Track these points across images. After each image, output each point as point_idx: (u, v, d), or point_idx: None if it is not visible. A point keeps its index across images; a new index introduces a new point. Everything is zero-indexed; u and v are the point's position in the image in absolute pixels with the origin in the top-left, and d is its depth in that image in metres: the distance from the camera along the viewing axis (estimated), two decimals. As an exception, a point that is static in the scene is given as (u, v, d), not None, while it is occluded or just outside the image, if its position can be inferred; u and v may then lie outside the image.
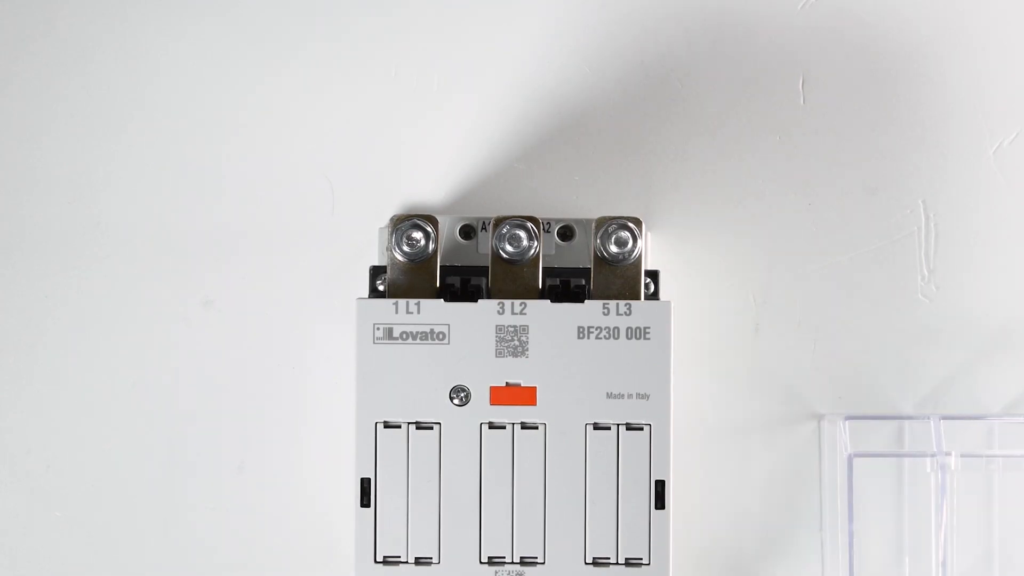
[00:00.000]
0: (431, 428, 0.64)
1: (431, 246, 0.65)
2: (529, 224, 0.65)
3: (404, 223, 0.65)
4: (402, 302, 0.64)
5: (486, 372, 0.64)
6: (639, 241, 0.65)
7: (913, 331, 0.72)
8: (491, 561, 0.63)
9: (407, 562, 0.63)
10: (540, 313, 0.64)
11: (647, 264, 0.66)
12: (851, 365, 0.72)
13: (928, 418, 0.69)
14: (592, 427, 0.63)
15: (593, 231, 0.66)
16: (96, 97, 0.74)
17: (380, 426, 0.64)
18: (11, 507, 0.74)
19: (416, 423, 0.64)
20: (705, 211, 0.72)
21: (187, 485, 0.73)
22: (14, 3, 0.75)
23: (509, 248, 0.65)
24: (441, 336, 0.64)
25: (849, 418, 0.69)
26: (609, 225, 0.65)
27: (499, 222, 0.65)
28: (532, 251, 0.65)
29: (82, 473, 0.74)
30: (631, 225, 0.65)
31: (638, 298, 0.65)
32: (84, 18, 0.74)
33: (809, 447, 0.73)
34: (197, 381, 0.74)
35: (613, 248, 0.65)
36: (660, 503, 0.63)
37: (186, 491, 0.73)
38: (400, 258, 0.65)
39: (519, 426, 0.64)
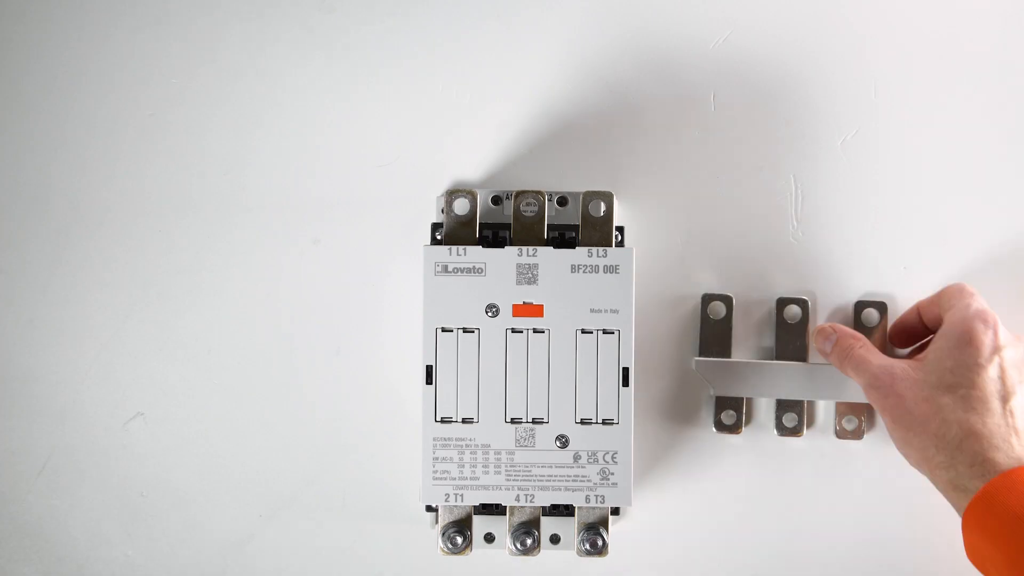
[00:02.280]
0: (473, 332, 0.74)
1: (472, 210, 0.76)
2: (538, 195, 0.77)
3: (454, 194, 0.77)
4: (453, 248, 0.74)
5: (510, 295, 0.74)
6: (611, 207, 0.76)
7: (787, 263, 0.83)
8: (512, 420, 0.75)
9: (456, 421, 0.75)
10: (546, 255, 0.75)
11: (616, 222, 0.77)
12: (743, 282, 0.83)
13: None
14: (580, 332, 0.74)
15: (581, 200, 0.77)
16: (234, 92, 0.84)
17: (439, 331, 0.74)
18: (172, 381, 0.84)
19: (463, 328, 0.74)
20: (651, 185, 0.82)
21: (299, 365, 0.84)
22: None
23: (525, 211, 0.76)
24: (480, 271, 0.74)
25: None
26: (591, 196, 0.77)
27: (519, 194, 0.77)
28: (540, 213, 0.77)
29: (231, 354, 0.84)
30: (605, 196, 0.77)
31: (610, 245, 0.76)
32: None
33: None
34: (309, 297, 0.83)
35: (593, 212, 0.76)
36: (625, 382, 0.74)
37: (299, 369, 0.84)
38: (451, 218, 0.76)
39: (532, 331, 0.75)
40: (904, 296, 0.83)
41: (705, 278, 0.84)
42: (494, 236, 0.77)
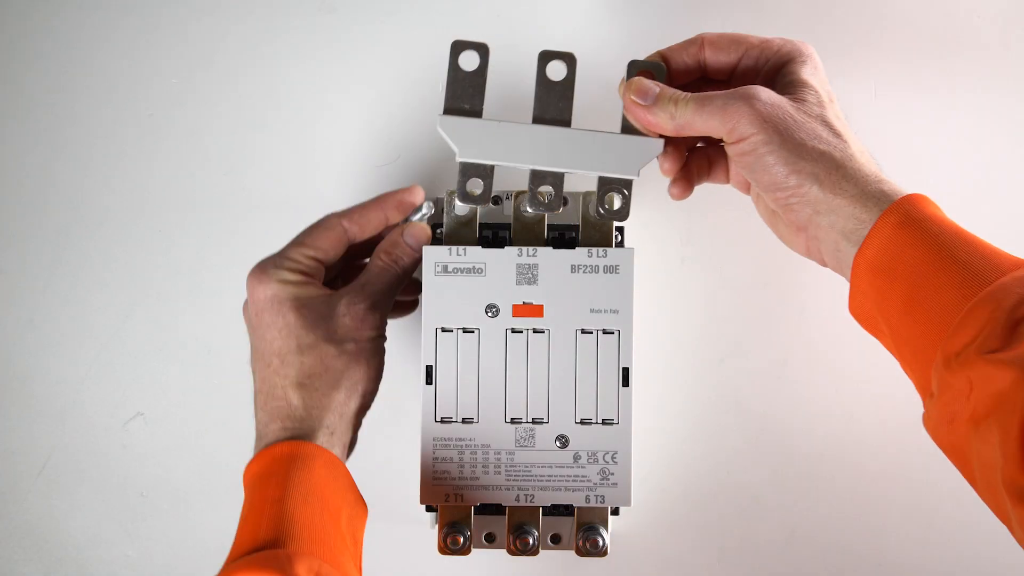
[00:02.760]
0: (473, 332, 0.75)
1: (473, 209, 0.77)
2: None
3: (454, 194, 0.76)
4: (454, 248, 0.75)
5: (510, 295, 0.75)
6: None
7: (786, 263, 0.83)
8: (512, 420, 0.75)
9: (456, 421, 0.75)
10: (546, 255, 0.75)
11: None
12: (744, 279, 0.85)
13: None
14: (580, 332, 0.75)
15: (581, 200, 0.78)
16: (234, 92, 0.86)
17: (439, 331, 0.75)
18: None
19: (463, 329, 0.75)
20: (653, 189, 0.82)
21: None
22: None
23: (526, 211, 0.77)
24: (480, 271, 0.75)
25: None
26: (591, 196, 0.77)
27: (518, 194, 0.78)
28: (540, 213, 0.77)
29: (231, 354, 0.85)
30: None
31: (610, 245, 0.77)
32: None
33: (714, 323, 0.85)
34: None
35: (593, 212, 0.77)
36: (625, 383, 0.75)
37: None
38: (451, 218, 0.77)
39: (532, 331, 0.75)
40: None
41: (698, 280, 0.86)
42: (494, 236, 0.78)
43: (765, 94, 0.67)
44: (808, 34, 0.80)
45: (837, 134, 0.67)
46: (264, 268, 0.73)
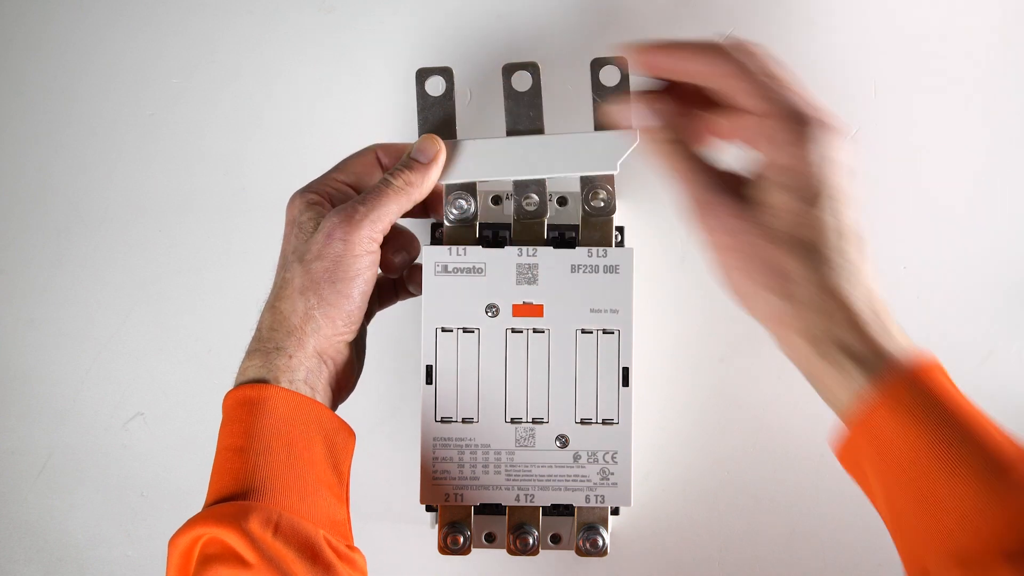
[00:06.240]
0: (473, 332, 0.75)
1: (473, 210, 0.76)
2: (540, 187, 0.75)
3: (454, 194, 0.76)
4: (454, 248, 0.75)
5: (510, 295, 0.75)
6: (612, 195, 0.76)
7: None
8: (512, 420, 0.75)
9: (457, 421, 0.75)
10: (546, 255, 0.75)
11: (616, 222, 0.77)
12: None
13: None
14: (580, 331, 0.75)
15: (581, 199, 0.76)
16: (233, 92, 0.86)
17: (439, 330, 0.75)
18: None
19: (463, 328, 0.75)
20: (651, 185, 0.83)
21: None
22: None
23: (527, 207, 0.76)
24: (480, 271, 0.75)
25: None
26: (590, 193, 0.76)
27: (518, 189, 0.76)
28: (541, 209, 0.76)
29: (231, 354, 0.85)
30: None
31: (611, 245, 0.76)
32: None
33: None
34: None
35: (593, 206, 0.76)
36: (625, 382, 0.75)
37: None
38: (452, 218, 0.76)
39: (532, 331, 0.75)
40: (906, 294, 0.84)
41: (700, 277, 0.85)
42: (494, 236, 0.78)
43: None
44: (808, 33, 0.83)
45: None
46: (295, 193, 0.73)
